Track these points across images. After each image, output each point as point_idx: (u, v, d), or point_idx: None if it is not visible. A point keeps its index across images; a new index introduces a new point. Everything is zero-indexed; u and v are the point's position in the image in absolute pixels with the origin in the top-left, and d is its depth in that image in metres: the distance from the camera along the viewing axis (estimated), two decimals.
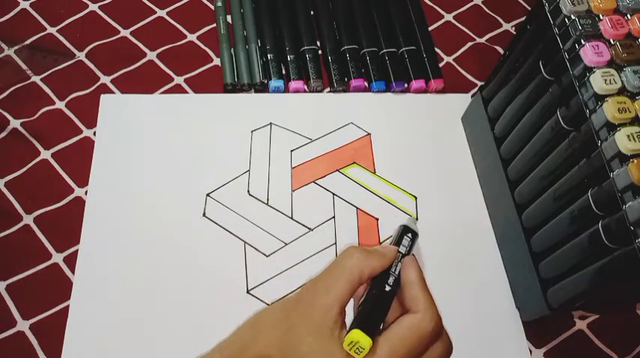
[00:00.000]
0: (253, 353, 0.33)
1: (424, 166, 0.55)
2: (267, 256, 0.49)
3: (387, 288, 0.34)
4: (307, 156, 0.55)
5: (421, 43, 0.60)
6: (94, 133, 0.54)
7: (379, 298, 0.34)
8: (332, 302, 0.33)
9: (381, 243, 0.51)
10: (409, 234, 0.37)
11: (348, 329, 0.32)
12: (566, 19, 0.41)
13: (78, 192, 0.51)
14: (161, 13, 0.62)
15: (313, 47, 0.59)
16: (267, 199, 0.52)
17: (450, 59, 0.62)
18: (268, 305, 0.47)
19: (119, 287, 0.47)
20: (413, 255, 0.37)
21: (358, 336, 0.31)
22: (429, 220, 0.52)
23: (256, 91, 0.58)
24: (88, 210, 0.50)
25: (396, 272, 0.35)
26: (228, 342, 0.35)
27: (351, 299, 0.35)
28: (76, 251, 0.48)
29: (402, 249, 0.36)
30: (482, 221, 0.53)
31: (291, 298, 0.35)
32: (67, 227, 0.49)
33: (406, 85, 0.59)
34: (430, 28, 0.63)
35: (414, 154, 0.56)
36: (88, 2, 0.62)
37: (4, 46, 0.58)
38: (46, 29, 0.60)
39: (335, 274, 0.34)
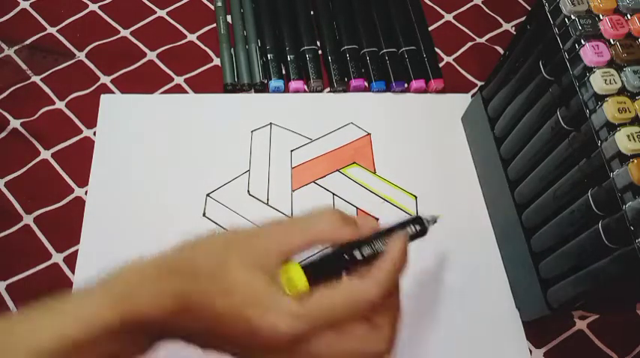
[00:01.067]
0: (183, 265, 0.32)
1: (424, 166, 0.55)
2: None
3: (357, 256, 0.32)
4: (307, 156, 0.55)
5: (421, 43, 0.60)
6: (94, 133, 0.54)
7: (339, 258, 0.32)
8: (279, 247, 0.32)
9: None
10: (417, 226, 0.35)
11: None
12: (566, 19, 0.41)
13: (78, 192, 0.51)
14: (161, 13, 0.62)
15: (313, 47, 0.59)
16: (267, 199, 0.52)
17: (450, 59, 0.62)
18: None
19: None
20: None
21: (297, 274, 0.30)
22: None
23: (256, 91, 0.58)
24: (88, 210, 0.50)
25: (376, 248, 0.33)
26: (163, 254, 0.34)
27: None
28: (76, 251, 0.48)
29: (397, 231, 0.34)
30: (482, 221, 0.53)
31: (246, 228, 0.35)
32: (67, 227, 0.49)
33: (406, 85, 0.59)
34: (430, 28, 0.63)
35: (414, 154, 0.56)
36: (88, 2, 0.62)
37: (4, 46, 0.58)
38: (46, 29, 0.60)
39: (299, 226, 0.33)
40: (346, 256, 0.32)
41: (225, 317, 0.31)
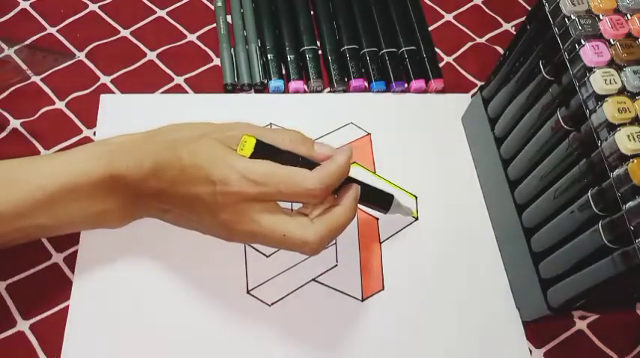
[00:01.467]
0: (159, 135, 0.42)
1: (424, 166, 0.55)
2: (267, 256, 0.49)
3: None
4: None
5: (421, 43, 0.60)
6: (94, 133, 0.54)
7: (294, 156, 0.40)
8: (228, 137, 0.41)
9: (380, 242, 0.51)
10: (383, 201, 0.47)
11: None
12: (566, 19, 0.41)
13: None
14: (161, 13, 0.62)
15: (313, 47, 0.59)
16: None
17: (450, 59, 0.62)
18: (269, 305, 0.47)
19: (119, 287, 0.47)
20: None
21: (249, 140, 0.39)
22: (429, 220, 0.52)
23: (256, 91, 0.58)
24: None
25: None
26: (154, 130, 0.43)
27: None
28: (76, 251, 0.48)
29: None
30: (482, 221, 0.53)
31: (225, 123, 0.43)
32: None
33: (406, 85, 0.59)
34: (430, 28, 0.63)
35: (414, 154, 0.56)
36: (88, 2, 0.62)
37: (4, 46, 0.58)
38: (46, 29, 0.60)
39: (267, 131, 0.42)
40: (300, 159, 0.40)
41: (189, 168, 0.39)
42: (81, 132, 0.54)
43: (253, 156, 0.39)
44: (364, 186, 0.44)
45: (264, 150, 0.39)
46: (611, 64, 0.39)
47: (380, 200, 0.47)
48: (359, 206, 0.45)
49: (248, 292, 0.48)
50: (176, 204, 0.41)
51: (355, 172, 0.54)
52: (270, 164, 0.39)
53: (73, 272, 0.47)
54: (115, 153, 0.40)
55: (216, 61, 0.59)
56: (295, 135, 0.42)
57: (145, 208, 0.44)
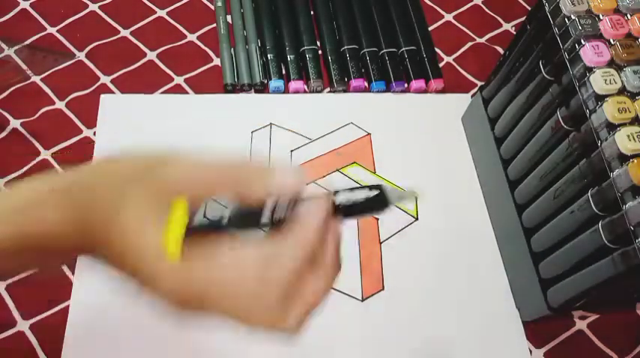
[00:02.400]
0: (81, 188, 0.30)
1: (424, 166, 0.55)
2: None
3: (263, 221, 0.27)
4: (307, 156, 0.55)
5: (421, 43, 0.60)
6: (94, 133, 0.54)
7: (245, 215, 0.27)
8: (183, 191, 0.28)
9: (380, 242, 0.51)
10: (375, 192, 0.28)
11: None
12: (566, 19, 0.41)
13: None
14: (161, 13, 0.62)
15: (313, 47, 0.59)
16: None
17: (450, 59, 0.62)
18: None
19: (119, 288, 0.47)
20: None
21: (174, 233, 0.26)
22: (429, 220, 0.52)
23: (256, 91, 0.58)
24: None
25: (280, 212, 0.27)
26: (63, 175, 0.32)
27: None
28: None
29: (339, 196, 0.28)
30: (482, 221, 0.53)
31: (160, 156, 0.31)
32: None
33: (406, 85, 0.59)
34: (430, 28, 0.63)
35: (414, 154, 0.56)
36: (88, 2, 0.62)
37: (4, 46, 0.58)
38: (46, 29, 0.60)
39: (222, 168, 0.29)
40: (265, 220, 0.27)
41: (117, 257, 0.29)
42: (81, 132, 0.54)
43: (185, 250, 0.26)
44: (349, 206, 0.28)
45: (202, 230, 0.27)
46: (611, 64, 0.39)
47: (375, 204, 0.29)
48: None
49: None
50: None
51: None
52: (206, 270, 0.27)
53: (73, 272, 0.47)
54: (20, 216, 0.30)
55: (216, 61, 0.59)
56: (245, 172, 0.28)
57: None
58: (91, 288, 0.47)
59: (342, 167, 0.54)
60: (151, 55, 0.59)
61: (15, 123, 0.54)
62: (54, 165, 0.52)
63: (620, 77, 0.38)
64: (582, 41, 0.40)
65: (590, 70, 0.39)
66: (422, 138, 0.57)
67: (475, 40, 0.63)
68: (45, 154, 0.53)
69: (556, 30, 0.42)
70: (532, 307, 0.47)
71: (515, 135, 0.49)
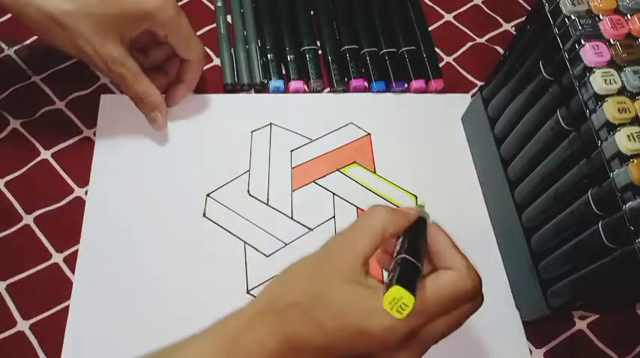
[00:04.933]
0: (282, 304, 0.34)
1: (424, 166, 0.55)
2: (267, 256, 0.49)
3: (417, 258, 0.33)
4: (307, 156, 0.55)
5: (421, 43, 0.60)
6: (94, 133, 0.54)
7: (415, 255, 0.33)
8: (356, 256, 0.34)
9: None
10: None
11: (384, 286, 0.31)
12: (566, 19, 0.41)
13: (78, 192, 0.51)
14: None
15: (313, 47, 0.59)
16: (267, 199, 0.52)
17: (450, 59, 0.62)
18: None
19: (119, 287, 0.47)
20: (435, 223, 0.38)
21: (401, 293, 0.30)
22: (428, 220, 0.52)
23: (256, 91, 0.58)
24: (88, 210, 0.50)
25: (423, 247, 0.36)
26: (258, 298, 0.36)
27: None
28: (76, 251, 0.48)
29: (424, 215, 0.37)
30: (482, 221, 0.53)
31: (317, 253, 0.36)
32: (67, 227, 0.49)
33: (406, 85, 0.59)
34: (430, 28, 0.63)
35: (414, 154, 0.56)
36: None
37: (4, 46, 0.58)
38: None
39: (360, 230, 0.35)
40: (414, 261, 0.33)
41: (337, 334, 0.32)
42: (81, 132, 0.54)
43: None
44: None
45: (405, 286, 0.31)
46: (611, 64, 0.39)
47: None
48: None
49: (248, 292, 0.48)
50: None
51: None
52: (427, 292, 0.33)
53: (73, 272, 0.47)
54: (233, 345, 0.34)
55: (216, 61, 0.59)
56: (380, 211, 0.36)
57: None
58: (91, 288, 0.47)
59: (342, 167, 0.54)
60: None
61: (15, 123, 0.54)
62: (54, 166, 0.52)
63: (620, 77, 0.38)
64: (582, 41, 0.40)
65: (590, 70, 0.39)
66: (422, 138, 0.57)
67: (475, 40, 0.63)
68: (45, 154, 0.53)
69: (556, 30, 0.42)
70: (532, 307, 0.47)
71: (515, 135, 0.49)
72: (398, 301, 0.30)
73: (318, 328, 0.32)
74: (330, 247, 0.36)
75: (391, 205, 0.53)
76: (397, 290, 0.30)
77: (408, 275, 0.32)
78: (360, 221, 0.36)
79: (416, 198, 0.53)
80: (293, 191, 0.53)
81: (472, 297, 0.34)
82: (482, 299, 0.35)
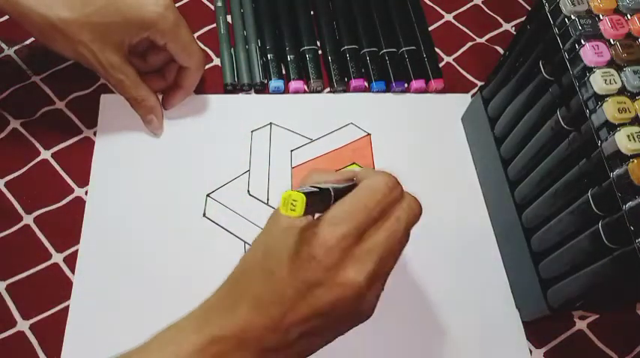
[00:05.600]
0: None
1: (424, 166, 0.55)
2: None
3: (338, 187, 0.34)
4: (307, 156, 0.55)
5: (421, 43, 0.60)
6: (94, 133, 0.54)
7: (325, 191, 0.34)
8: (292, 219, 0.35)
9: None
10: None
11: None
12: (566, 19, 0.41)
13: (78, 192, 0.51)
14: None
15: (313, 47, 0.59)
16: (267, 199, 0.52)
17: (450, 59, 0.62)
18: None
19: (119, 287, 0.47)
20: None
21: (289, 193, 0.30)
22: (429, 220, 0.52)
23: (256, 91, 0.58)
24: (88, 210, 0.50)
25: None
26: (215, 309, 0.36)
27: None
28: (76, 251, 0.48)
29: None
30: (482, 221, 0.53)
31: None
32: (67, 227, 0.49)
33: (406, 85, 0.59)
34: (430, 28, 0.63)
35: (414, 154, 0.56)
36: None
37: (4, 46, 0.58)
38: None
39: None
40: (331, 190, 0.34)
41: (284, 271, 0.33)
42: (81, 132, 0.54)
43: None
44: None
45: (313, 202, 0.32)
46: (611, 64, 0.39)
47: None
48: None
49: None
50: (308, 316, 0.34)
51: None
52: (346, 203, 0.34)
53: (73, 272, 0.47)
54: (208, 318, 0.35)
55: (216, 61, 0.59)
56: (317, 176, 0.38)
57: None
58: (91, 288, 0.47)
59: (341, 167, 0.54)
60: None
61: (15, 123, 0.54)
62: (54, 166, 0.52)
63: (620, 77, 0.38)
64: (582, 41, 0.40)
65: (590, 70, 0.39)
66: (422, 138, 0.57)
67: (475, 40, 0.63)
68: (45, 154, 0.53)
69: (556, 30, 0.42)
70: (532, 307, 0.47)
71: (515, 135, 0.49)
72: (288, 201, 0.30)
73: (270, 277, 0.33)
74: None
75: None
76: (286, 193, 0.30)
77: (304, 190, 0.32)
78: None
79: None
80: None
81: (395, 196, 0.35)
82: (414, 200, 0.36)
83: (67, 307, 0.46)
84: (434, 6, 0.65)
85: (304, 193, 0.30)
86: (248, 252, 0.37)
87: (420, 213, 0.36)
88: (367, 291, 0.33)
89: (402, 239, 0.35)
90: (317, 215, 0.35)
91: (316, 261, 0.32)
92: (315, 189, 0.33)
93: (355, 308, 0.34)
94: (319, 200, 0.33)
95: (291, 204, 0.30)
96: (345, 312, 0.34)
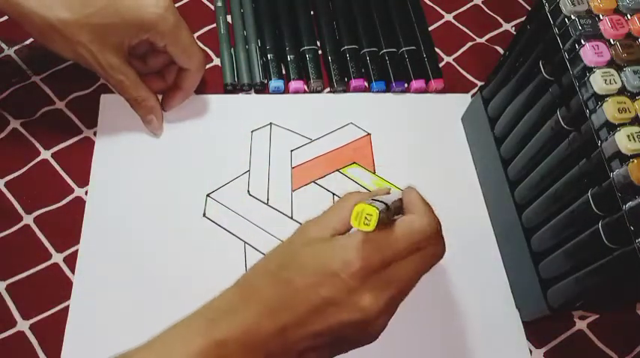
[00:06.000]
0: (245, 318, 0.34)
1: (424, 166, 0.55)
2: None
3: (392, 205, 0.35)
4: (307, 156, 0.55)
5: (421, 43, 0.60)
6: (94, 133, 0.54)
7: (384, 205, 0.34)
8: (324, 229, 0.36)
9: None
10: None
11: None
12: (566, 19, 0.41)
13: (78, 192, 0.51)
14: None
15: (313, 47, 0.59)
16: (267, 199, 0.52)
17: (450, 59, 0.62)
18: None
19: (119, 287, 0.47)
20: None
21: (363, 207, 0.31)
22: None
23: (256, 91, 0.58)
24: (88, 210, 0.50)
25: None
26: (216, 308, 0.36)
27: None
28: (76, 251, 0.48)
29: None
30: (482, 221, 0.53)
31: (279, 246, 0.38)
32: (67, 227, 0.49)
33: (406, 85, 0.59)
34: (430, 28, 0.63)
35: (414, 154, 0.56)
36: None
37: (4, 46, 0.58)
38: None
39: (331, 210, 0.38)
40: (380, 199, 0.34)
41: (301, 284, 0.34)
42: (81, 132, 0.54)
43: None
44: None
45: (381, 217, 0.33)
46: (611, 64, 0.39)
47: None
48: None
49: None
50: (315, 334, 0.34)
51: (358, 174, 0.54)
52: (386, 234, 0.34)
53: (73, 272, 0.47)
54: (214, 320, 0.35)
55: (216, 61, 0.59)
56: (355, 196, 0.39)
57: None
58: (91, 288, 0.47)
59: (341, 167, 0.54)
60: None
61: (15, 123, 0.54)
62: (54, 166, 0.52)
63: (620, 77, 0.38)
64: (582, 41, 0.40)
65: (590, 70, 0.39)
66: (422, 138, 0.57)
67: (475, 40, 0.63)
68: (45, 154, 0.53)
69: (556, 30, 0.42)
70: (532, 307, 0.47)
71: (515, 135, 0.49)
72: (362, 214, 0.31)
73: (286, 286, 0.34)
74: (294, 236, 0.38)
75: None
76: (360, 206, 0.31)
77: (373, 201, 0.33)
78: (334, 205, 0.38)
79: None
80: (293, 191, 0.53)
81: (432, 238, 0.36)
82: (444, 246, 0.37)
83: (67, 307, 0.46)
84: (434, 6, 0.65)
85: (377, 208, 0.31)
86: (262, 260, 0.37)
87: (443, 254, 0.37)
88: (380, 318, 0.34)
89: (422, 275, 0.36)
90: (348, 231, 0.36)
91: (340, 280, 0.32)
92: (384, 205, 0.33)
93: (364, 332, 0.35)
94: (385, 217, 0.33)
95: (365, 218, 0.31)
96: (353, 334, 0.34)
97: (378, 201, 0.33)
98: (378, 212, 0.31)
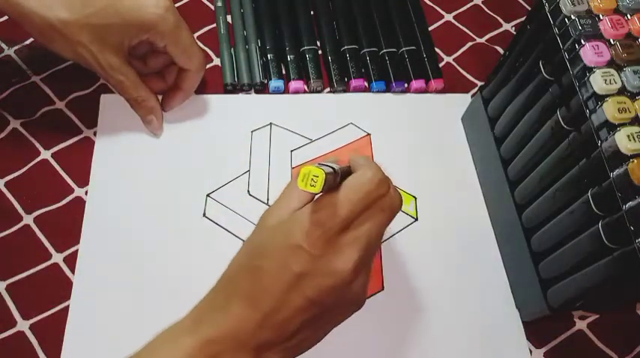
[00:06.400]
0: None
1: (424, 166, 0.55)
2: None
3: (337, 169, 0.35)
4: (307, 156, 0.55)
5: (421, 43, 0.60)
6: (94, 133, 0.54)
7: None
8: (286, 211, 0.36)
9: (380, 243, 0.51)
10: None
11: None
12: (566, 19, 0.41)
13: (78, 192, 0.51)
14: None
15: (313, 47, 0.59)
16: (267, 199, 0.52)
17: (450, 59, 0.62)
18: None
19: (119, 287, 0.47)
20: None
21: (309, 169, 0.31)
22: (429, 220, 0.52)
23: (256, 91, 0.58)
24: (88, 210, 0.50)
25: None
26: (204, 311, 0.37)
27: None
28: (76, 251, 0.48)
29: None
30: (482, 221, 0.53)
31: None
32: (67, 227, 0.49)
33: (406, 85, 0.59)
34: (430, 28, 0.63)
35: (414, 154, 0.56)
36: None
37: (4, 46, 0.58)
38: None
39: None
40: (338, 171, 0.35)
41: (271, 264, 0.34)
42: (81, 132, 0.54)
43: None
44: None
45: (328, 180, 0.33)
46: (611, 64, 0.39)
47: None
48: None
49: None
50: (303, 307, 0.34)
51: None
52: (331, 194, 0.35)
53: (73, 272, 0.47)
54: (201, 320, 0.36)
55: (216, 61, 0.59)
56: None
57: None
58: (91, 288, 0.47)
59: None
60: None
61: (15, 123, 0.54)
62: (54, 166, 0.52)
63: (620, 77, 0.38)
64: (582, 41, 0.40)
65: (590, 70, 0.39)
66: (422, 138, 0.57)
67: (475, 40, 0.63)
68: (45, 154, 0.53)
69: (556, 30, 0.42)
70: (532, 307, 0.47)
71: (515, 135, 0.49)
72: (309, 176, 0.31)
73: (258, 273, 0.34)
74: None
75: None
76: (307, 168, 0.31)
77: (320, 165, 0.33)
78: (287, 186, 0.39)
79: (415, 199, 0.53)
80: None
81: (381, 187, 0.36)
82: (400, 196, 0.37)
83: (67, 307, 0.46)
84: (434, 6, 0.65)
85: (324, 170, 0.31)
86: (236, 255, 0.38)
87: (401, 205, 0.37)
88: (354, 279, 0.34)
89: (384, 229, 0.36)
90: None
91: (304, 251, 0.33)
92: (331, 169, 0.33)
93: (343, 297, 0.35)
94: (332, 179, 0.34)
95: (312, 179, 0.31)
96: (334, 301, 0.34)
97: (325, 165, 0.33)
98: (324, 173, 0.31)
